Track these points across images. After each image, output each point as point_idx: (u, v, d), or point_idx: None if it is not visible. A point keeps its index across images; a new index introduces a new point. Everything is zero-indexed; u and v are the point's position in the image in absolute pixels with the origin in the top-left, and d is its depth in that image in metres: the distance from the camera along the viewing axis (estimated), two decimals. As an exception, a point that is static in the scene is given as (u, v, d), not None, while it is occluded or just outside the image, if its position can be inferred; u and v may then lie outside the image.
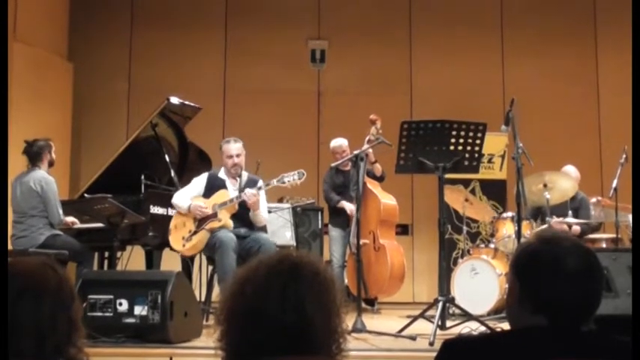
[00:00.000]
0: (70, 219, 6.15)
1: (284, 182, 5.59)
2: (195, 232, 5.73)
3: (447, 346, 1.86)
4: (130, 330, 4.45)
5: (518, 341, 1.79)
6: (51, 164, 6.23)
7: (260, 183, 5.81)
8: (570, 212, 6.67)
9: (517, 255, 1.91)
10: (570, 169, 7.08)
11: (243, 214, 5.77)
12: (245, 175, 5.96)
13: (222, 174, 6.00)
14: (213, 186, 5.91)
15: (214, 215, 5.69)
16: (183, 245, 5.78)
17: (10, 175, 6.33)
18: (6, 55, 6.22)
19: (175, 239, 5.85)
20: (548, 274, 1.81)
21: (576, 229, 6.75)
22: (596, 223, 7.31)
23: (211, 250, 5.62)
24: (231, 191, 5.84)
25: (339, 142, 7.19)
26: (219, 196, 5.79)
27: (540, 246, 1.87)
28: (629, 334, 2.10)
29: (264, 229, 6.00)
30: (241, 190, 5.73)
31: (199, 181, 5.98)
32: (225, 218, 5.68)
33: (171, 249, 6.05)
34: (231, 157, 5.88)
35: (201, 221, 5.72)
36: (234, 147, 5.90)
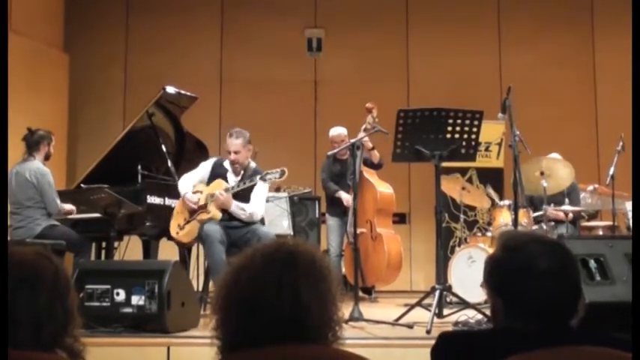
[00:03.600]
0: (67, 206, 6.14)
1: (265, 180, 5.55)
2: (188, 222, 5.73)
3: (444, 338, 1.87)
4: (127, 320, 4.44)
5: (511, 335, 1.81)
6: (47, 157, 6.20)
7: (257, 178, 5.73)
8: (567, 200, 6.65)
9: (489, 271, 1.90)
10: (556, 157, 7.02)
11: None
12: (253, 166, 5.87)
13: (227, 163, 5.88)
14: (216, 174, 5.85)
15: (204, 207, 5.69)
16: (177, 233, 5.80)
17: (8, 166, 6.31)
18: (6, 47, 6.18)
19: (173, 225, 5.86)
20: (525, 283, 1.81)
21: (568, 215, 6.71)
22: (593, 211, 7.31)
23: (202, 242, 5.64)
24: (230, 182, 5.79)
25: (338, 131, 7.18)
26: (214, 187, 5.74)
27: (508, 255, 1.87)
28: (626, 320, 2.11)
29: (261, 220, 5.96)
30: (241, 181, 5.71)
31: (205, 167, 5.93)
32: (213, 210, 5.62)
33: (168, 238, 6.06)
34: (229, 152, 5.78)
35: (194, 211, 5.73)
36: (233, 143, 5.71)
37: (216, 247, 5.41)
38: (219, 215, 5.65)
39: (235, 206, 5.62)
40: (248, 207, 5.68)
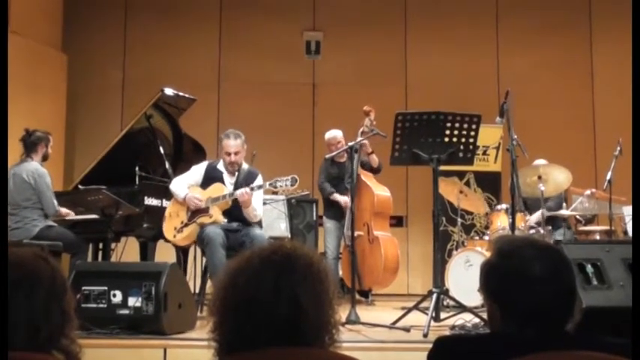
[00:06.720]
0: (64, 210, 6.13)
1: (275, 187, 5.49)
2: (186, 225, 5.71)
3: (441, 342, 1.87)
4: (123, 321, 4.43)
5: (508, 340, 1.81)
6: (45, 158, 6.20)
7: (256, 182, 5.72)
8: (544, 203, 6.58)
9: (484, 277, 1.90)
10: (542, 163, 6.98)
11: (236, 210, 5.68)
12: (245, 167, 5.90)
13: (220, 166, 5.89)
14: (211, 177, 5.83)
15: (206, 210, 5.67)
16: (174, 236, 5.77)
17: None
18: (6, 48, 6.17)
19: (168, 228, 5.83)
20: (520, 287, 1.82)
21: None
22: (590, 215, 7.32)
23: (201, 245, 5.61)
24: (227, 185, 5.78)
25: (334, 134, 7.18)
26: (214, 190, 5.73)
27: (503, 260, 1.87)
28: (623, 324, 2.11)
29: (258, 223, 5.96)
30: (238, 185, 5.70)
31: (198, 170, 5.92)
32: (216, 214, 5.63)
33: (165, 239, 6.04)
34: (229, 154, 5.74)
35: (194, 213, 5.70)
36: (233, 144, 5.72)
37: (218, 251, 5.39)
38: (221, 219, 5.64)
39: (255, 207, 5.68)
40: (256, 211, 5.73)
